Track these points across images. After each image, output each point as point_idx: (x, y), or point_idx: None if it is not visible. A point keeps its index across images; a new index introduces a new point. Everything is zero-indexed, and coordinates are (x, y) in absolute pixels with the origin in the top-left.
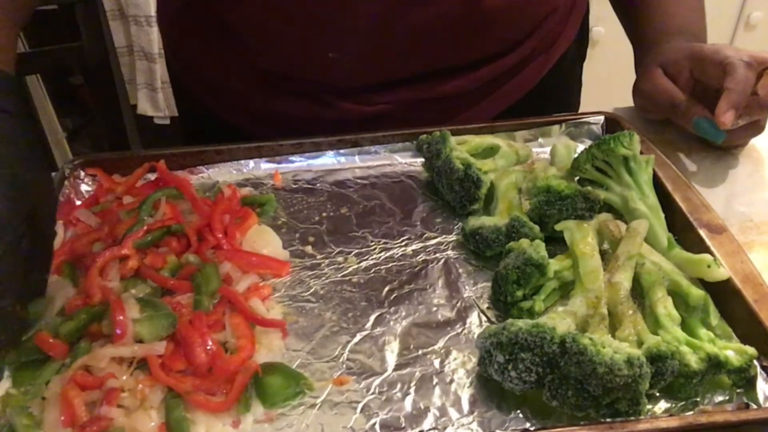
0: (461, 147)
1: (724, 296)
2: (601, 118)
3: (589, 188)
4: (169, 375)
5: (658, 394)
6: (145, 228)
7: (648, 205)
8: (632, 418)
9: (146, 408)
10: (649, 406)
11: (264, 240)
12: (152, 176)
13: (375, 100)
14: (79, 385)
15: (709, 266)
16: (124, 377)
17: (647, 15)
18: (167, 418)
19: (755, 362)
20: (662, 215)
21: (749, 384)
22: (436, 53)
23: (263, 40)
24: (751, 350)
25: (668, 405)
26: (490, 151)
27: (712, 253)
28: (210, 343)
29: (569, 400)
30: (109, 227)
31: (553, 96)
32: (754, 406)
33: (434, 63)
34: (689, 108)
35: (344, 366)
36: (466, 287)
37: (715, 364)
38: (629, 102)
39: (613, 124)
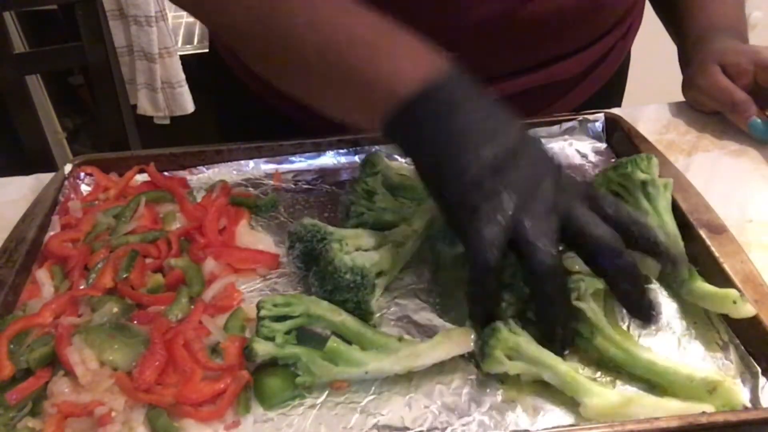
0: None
1: None
2: (601, 116)
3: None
4: (148, 391)
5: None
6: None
7: (667, 233)
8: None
9: (132, 429)
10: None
11: (255, 238)
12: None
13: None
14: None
15: (735, 302)
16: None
17: (691, 11)
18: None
19: (756, 363)
20: (681, 243)
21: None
22: (552, 42)
23: None
24: None
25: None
26: None
27: (712, 254)
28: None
29: (320, 289)
30: (84, 230)
31: (620, 84)
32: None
33: (550, 51)
34: (748, 107)
35: None
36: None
37: None
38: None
39: (612, 123)
